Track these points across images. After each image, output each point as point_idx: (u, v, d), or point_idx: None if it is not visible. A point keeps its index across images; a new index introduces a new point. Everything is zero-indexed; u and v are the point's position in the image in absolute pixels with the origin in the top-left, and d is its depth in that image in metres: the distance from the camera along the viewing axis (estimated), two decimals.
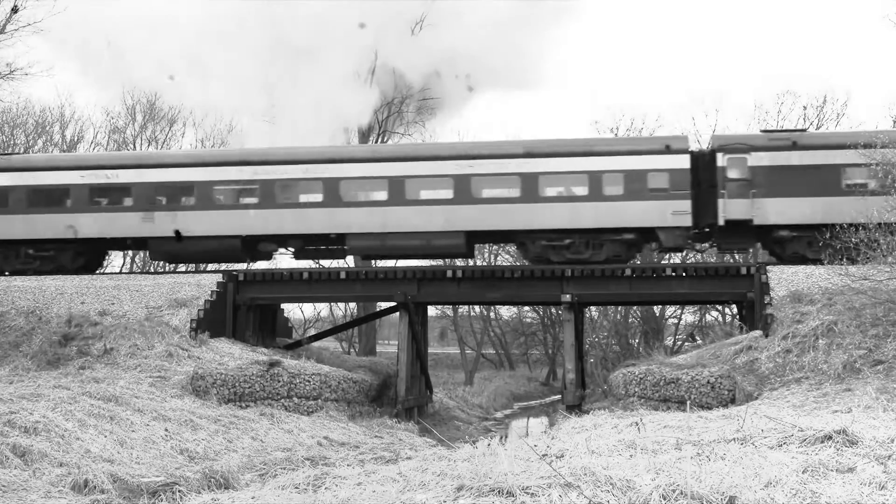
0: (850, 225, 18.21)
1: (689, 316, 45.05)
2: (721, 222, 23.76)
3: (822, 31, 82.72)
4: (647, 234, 24.73)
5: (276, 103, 37.27)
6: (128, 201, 26.12)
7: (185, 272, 29.21)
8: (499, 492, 7.53)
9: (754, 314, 22.42)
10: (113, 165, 26.62)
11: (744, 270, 23.52)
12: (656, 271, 24.05)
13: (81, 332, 22.65)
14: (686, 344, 40.52)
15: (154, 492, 10.20)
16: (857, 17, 73.14)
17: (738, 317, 27.58)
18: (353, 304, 47.45)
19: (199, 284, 25.00)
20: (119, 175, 26.20)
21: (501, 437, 16.83)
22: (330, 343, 44.79)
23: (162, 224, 25.75)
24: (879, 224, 17.88)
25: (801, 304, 20.71)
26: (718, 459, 8.48)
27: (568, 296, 23.70)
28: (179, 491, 10.08)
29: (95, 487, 10.66)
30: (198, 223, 25.62)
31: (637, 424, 12.51)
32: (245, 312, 25.13)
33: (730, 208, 23.67)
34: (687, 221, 23.95)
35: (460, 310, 50.79)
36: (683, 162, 24.10)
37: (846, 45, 76.01)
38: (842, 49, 75.58)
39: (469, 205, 24.65)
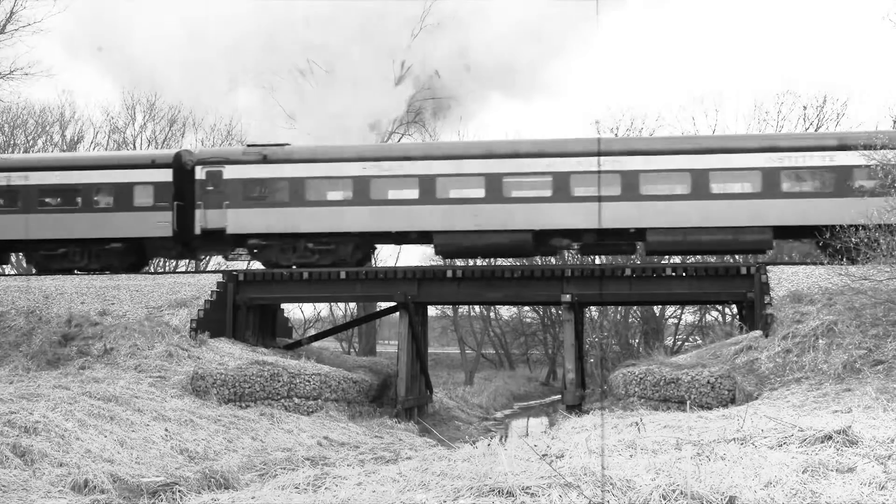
0: (851, 226, 18.16)
1: (689, 316, 45.07)
2: None
3: (822, 32, 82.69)
4: None
5: (297, 101, 37.17)
6: (413, 194, 25.25)
7: (185, 272, 29.18)
8: (499, 492, 7.53)
9: (754, 314, 22.39)
10: (399, 157, 25.66)
11: (744, 270, 23.51)
12: (656, 271, 24.04)
13: (81, 332, 22.64)
14: (686, 344, 40.54)
15: (154, 492, 10.21)
16: (857, 18, 73.13)
17: (738, 317, 27.56)
18: (353, 304, 47.45)
19: (199, 284, 25.00)
20: (404, 167, 25.33)
21: (501, 437, 16.83)
22: (330, 343, 44.78)
23: (450, 218, 24.92)
24: (879, 224, 17.88)
25: (801, 304, 20.71)
26: (718, 459, 8.48)
27: (568, 296, 23.67)
28: (179, 491, 10.09)
29: (95, 487, 10.66)
30: (488, 217, 24.79)
31: (637, 424, 12.51)
32: (245, 312, 25.09)
33: None
34: None
35: (460, 310, 50.78)
36: None
37: (846, 46, 75.98)
38: (842, 49, 75.55)
39: (776, 199, 23.68)
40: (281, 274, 25.35)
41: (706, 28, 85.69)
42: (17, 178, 26.36)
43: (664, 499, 7.00)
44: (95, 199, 26.17)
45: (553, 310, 45.09)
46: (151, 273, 26.27)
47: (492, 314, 52.47)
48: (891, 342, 17.98)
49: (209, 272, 27.41)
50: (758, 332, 20.71)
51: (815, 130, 37.66)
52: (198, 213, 25.66)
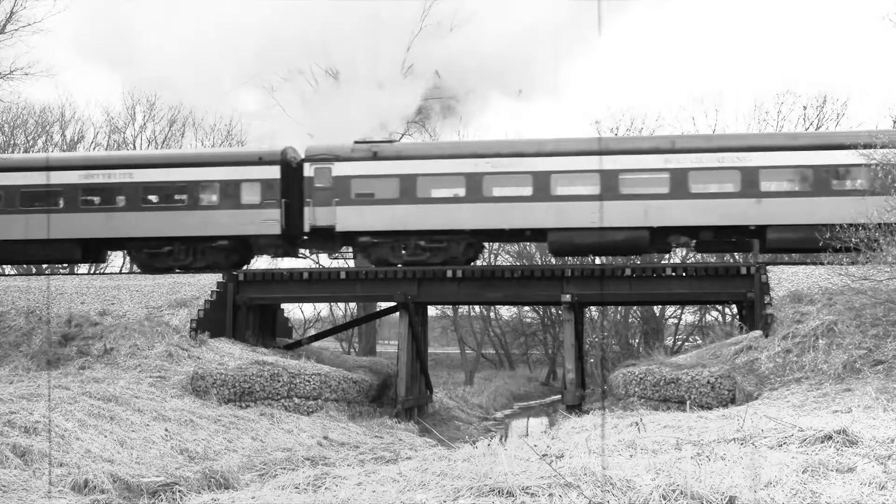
0: (851, 225, 18.14)
1: (689, 316, 45.07)
2: None
3: (822, 32, 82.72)
4: None
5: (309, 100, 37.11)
6: (527, 191, 24.80)
7: (186, 272, 29.15)
8: (499, 492, 7.53)
9: (754, 314, 22.39)
10: (513, 153, 25.04)
11: (744, 270, 23.49)
12: (656, 271, 24.03)
13: (81, 332, 22.65)
14: (686, 344, 40.55)
15: (154, 492, 10.21)
16: (857, 18, 73.15)
17: (738, 317, 27.56)
18: (353, 304, 47.43)
19: (199, 284, 24.98)
20: (518, 164, 24.71)
21: (501, 437, 16.85)
22: (330, 343, 44.77)
23: (565, 215, 24.48)
24: (879, 224, 17.87)
25: (801, 304, 20.72)
26: (718, 459, 8.49)
27: (568, 296, 23.66)
28: (179, 491, 10.09)
29: (95, 487, 10.66)
30: (604, 214, 24.46)
31: (637, 424, 12.51)
32: (245, 312, 25.08)
33: None
34: None
35: (460, 310, 50.77)
36: None
37: (846, 46, 76.01)
38: (842, 49, 75.58)
39: None
40: (281, 274, 25.34)
41: (706, 28, 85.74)
42: (120, 175, 26.15)
43: (664, 499, 7.00)
44: (201, 196, 25.88)
45: (553, 310, 45.09)
46: (151, 273, 26.16)
47: (492, 314, 52.46)
48: (891, 342, 17.99)
49: (209, 272, 27.37)
50: (758, 332, 20.71)
51: (816, 130, 37.67)
52: (307, 210, 25.33)
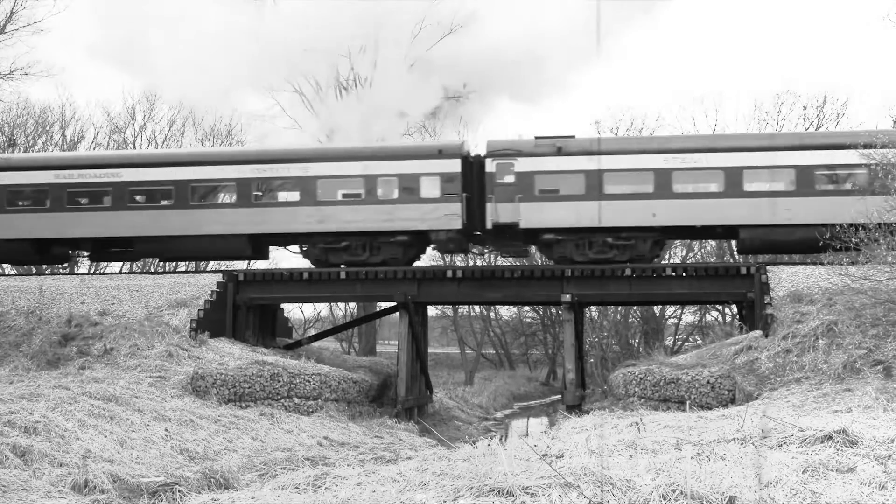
0: (851, 225, 18.13)
1: (689, 316, 45.09)
2: None
3: (822, 32, 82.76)
4: None
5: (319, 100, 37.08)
6: (718, 187, 24.12)
7: (185, 272, 29.16)
8: (499, 492, 7.53)
9: (754, 314, 22.39)
10: (703, 149, 24.51)
11: (744, 270, 23.48)
12: (656, 271, 24.02)
13: (81, 332, 22.65)
14: (686, 344, 40.56)
15: (154, 492, 10.20)
16: (857, 18, 73.17)
17: (738, 317, 27.56)
18: (353, 304, 47.43)
19: (199, 284, 24.99)
20: (708, 159, 24.16)
21: (501, 437, 16.86)
22: (330, 343, 44.78)
23: (758, 211, 23.80)
24: (879, 224, 17.88)
25: (801, 304, 20.72)
26: (718, 459, 8.49)
27: (568, 296, 23.66)
28: (179, 491, 10.08)
29: (95, 487, 10.66)
30: (799, 211, 23.57)
31: (637, 424, 12.52)
32: (245, 312, 25.07)
33: None
34: None
35: (460, 310, 50.80)
36: None
37: (846, 46, 76.05)
38: (842, 49, 75.62)
39: None
40: (281, 274, 25.33)
41: (706, 28, 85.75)
42: (296, 170, 25.64)
43: (664, 499, 7.00)
44: (380, 190, 25.34)
45: (553, 310, 45.10)
46: (151, 273, 26.15)
47: (492, 314, 52.50)
48: (891, 342, 17.99)
49: (209, 272, 27.37)
50: (758, 332, 20.72)
51: (816, 130, 37.67)
52: (489, 206, 24.84)
